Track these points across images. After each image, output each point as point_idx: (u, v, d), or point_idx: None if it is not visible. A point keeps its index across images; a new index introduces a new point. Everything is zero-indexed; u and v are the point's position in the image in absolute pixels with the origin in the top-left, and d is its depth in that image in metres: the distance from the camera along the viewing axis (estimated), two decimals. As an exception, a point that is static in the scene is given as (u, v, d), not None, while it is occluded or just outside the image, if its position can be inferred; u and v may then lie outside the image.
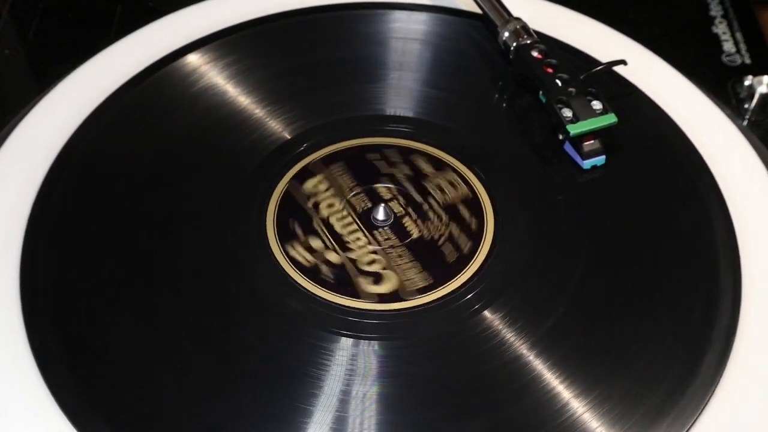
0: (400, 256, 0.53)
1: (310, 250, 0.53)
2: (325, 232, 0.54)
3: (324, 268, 0.52)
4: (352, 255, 0.53)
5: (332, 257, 0.53)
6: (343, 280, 0.52)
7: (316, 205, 0.55)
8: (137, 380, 0.48)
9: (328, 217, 0.55)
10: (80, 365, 0.48)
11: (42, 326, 0.49)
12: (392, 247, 0.54)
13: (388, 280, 0.52)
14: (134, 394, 0.48)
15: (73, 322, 0.50)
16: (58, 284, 0.51)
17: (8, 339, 0.49)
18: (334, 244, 0.53)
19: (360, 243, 0.54)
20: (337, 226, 0.54)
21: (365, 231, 0.54)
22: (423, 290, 0.52)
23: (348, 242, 0.54)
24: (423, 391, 0.48)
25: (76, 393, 0.47)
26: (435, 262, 0.53)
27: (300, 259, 0.53)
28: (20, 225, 0.53)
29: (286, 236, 0.54)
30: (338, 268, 0.52)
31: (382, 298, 0.51)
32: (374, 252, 0.53)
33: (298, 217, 0.55)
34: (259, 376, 0.48)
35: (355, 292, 0.51)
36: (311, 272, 0.52)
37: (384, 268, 0.52)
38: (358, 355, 0.49)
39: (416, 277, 0.52)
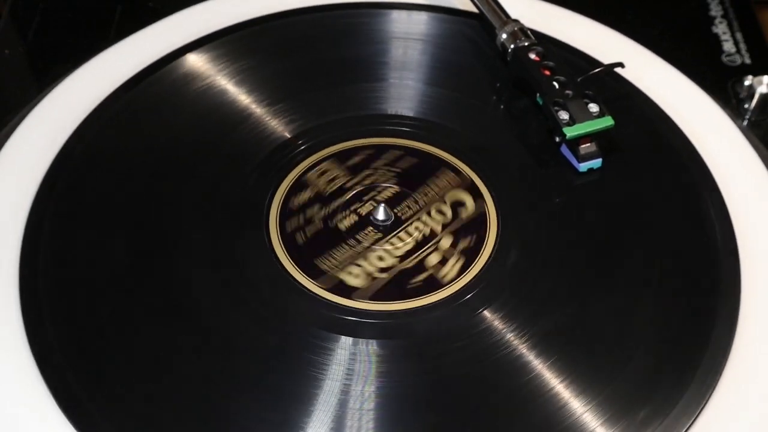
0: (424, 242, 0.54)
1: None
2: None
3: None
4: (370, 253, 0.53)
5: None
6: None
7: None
8: (137, 380, 0.48)
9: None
10: (80, 365, 0.48)
11: (42, 326, 0.49)
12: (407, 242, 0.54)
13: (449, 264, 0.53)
14: (134, 394, 0.48)
15: (73, 322, 0.50)
16: (58, 284, 0.51)
17: (8, 339, 0.49)
18: (346, 242, 0.54)
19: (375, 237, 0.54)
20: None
21: (373, 229, 0.54)
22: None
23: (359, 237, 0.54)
24: (422, 391, 0.48)
25: (76, 393, 0.47)
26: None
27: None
28: (20, 224, 0.53)
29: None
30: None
31: (430, 283, 0.52)
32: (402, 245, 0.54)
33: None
34: (259, 375, 0.48)
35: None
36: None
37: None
38: (358, 354, 0.49)
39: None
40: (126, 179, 0.56)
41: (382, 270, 0.53)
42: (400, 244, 0.54)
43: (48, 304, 0.50)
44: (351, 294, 0.51)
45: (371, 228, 0.54)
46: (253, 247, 0.53)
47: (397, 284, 0.52)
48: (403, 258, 0.53)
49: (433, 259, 0.53)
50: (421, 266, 0.53)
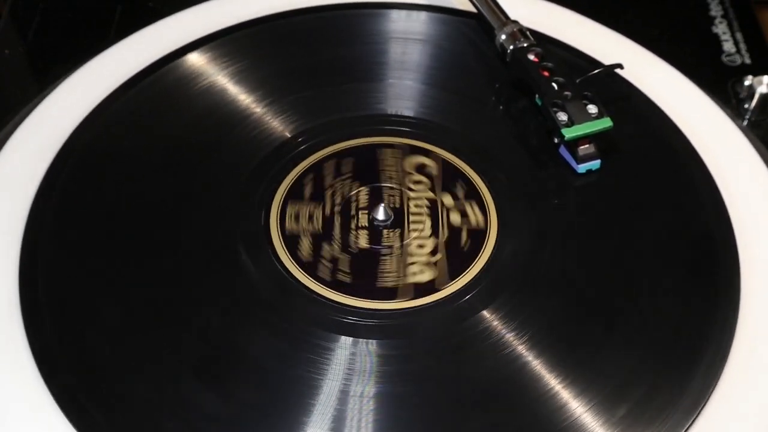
0: (420, 246, 0.54)
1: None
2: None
3: (329, 265, 0.53)
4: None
5: (341, 257, 0.53)
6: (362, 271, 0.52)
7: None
8: (137, 380, 0.48)
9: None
10: (80, 365, 0.48)
11: (42, 326, 0.50)
12: (405, 243, 0.54)
13: (426, 272, 0.52)
14: (134, 394, 0.48)
15: (73, 322, 0.50)
16: (58, 284, 0.51)
17: (8, 339, 0.49)
18: (341, 242, 0.54)
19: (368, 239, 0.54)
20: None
21: (371, 230, 0.54)
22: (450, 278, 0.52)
23: (355, 240, 0.54)
24: (422, 391, 0.48)
25: (76, 393, 0.47)
26: (451, 251, 0.53)
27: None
28: (20, 225, 0.53)
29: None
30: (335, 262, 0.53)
31: (419, 288, 0.51)
32: (390, 247, 0.53)
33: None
34: (259, 375, 0.48)
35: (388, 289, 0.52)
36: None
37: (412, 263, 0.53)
38: (358, 354, 0.49)
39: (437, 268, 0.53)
40: (126, 179, 0.56)
41: (432, 253, 0.53)
42: (421, 227, 0.54)
43: (48, 304, 0.50)
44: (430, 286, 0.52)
45: (375, 228, 0.54)
46: (253, 248, 0.53)
47: (454, 255, 0.53)
48: (436, 234, 0.53)
49: (455, 217, 0.53)
50: (455, 229, 0.53)
